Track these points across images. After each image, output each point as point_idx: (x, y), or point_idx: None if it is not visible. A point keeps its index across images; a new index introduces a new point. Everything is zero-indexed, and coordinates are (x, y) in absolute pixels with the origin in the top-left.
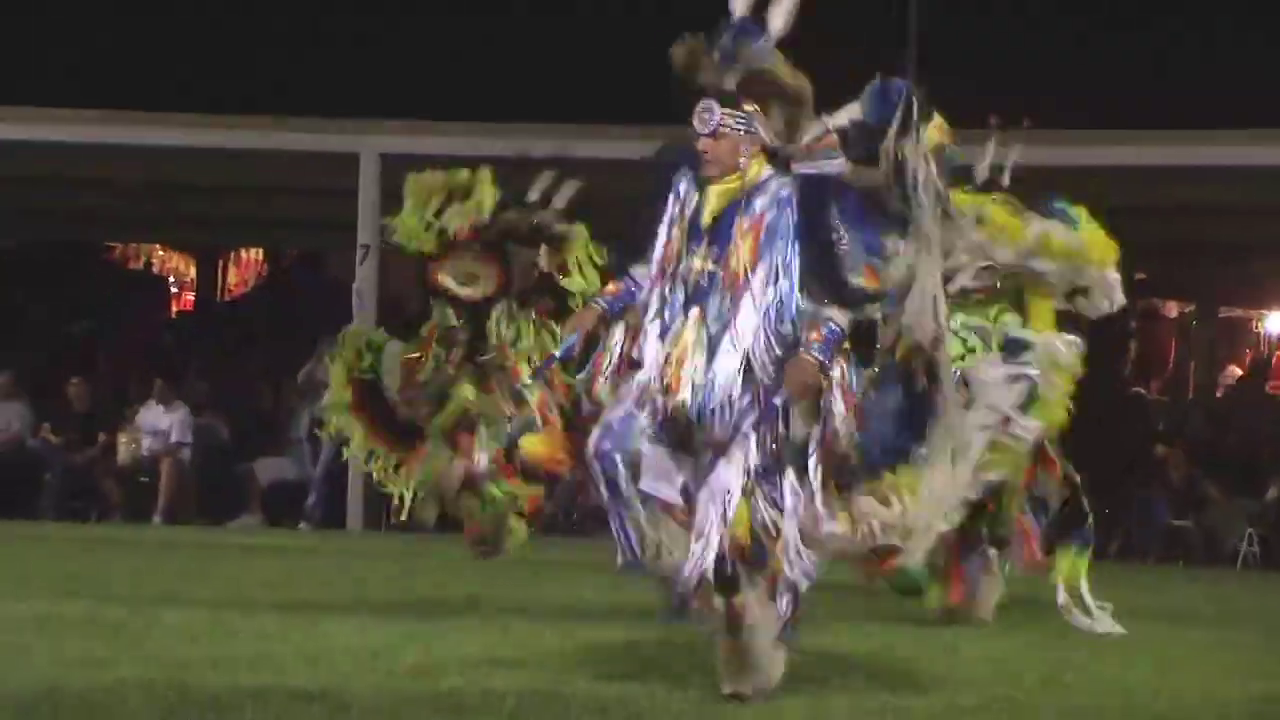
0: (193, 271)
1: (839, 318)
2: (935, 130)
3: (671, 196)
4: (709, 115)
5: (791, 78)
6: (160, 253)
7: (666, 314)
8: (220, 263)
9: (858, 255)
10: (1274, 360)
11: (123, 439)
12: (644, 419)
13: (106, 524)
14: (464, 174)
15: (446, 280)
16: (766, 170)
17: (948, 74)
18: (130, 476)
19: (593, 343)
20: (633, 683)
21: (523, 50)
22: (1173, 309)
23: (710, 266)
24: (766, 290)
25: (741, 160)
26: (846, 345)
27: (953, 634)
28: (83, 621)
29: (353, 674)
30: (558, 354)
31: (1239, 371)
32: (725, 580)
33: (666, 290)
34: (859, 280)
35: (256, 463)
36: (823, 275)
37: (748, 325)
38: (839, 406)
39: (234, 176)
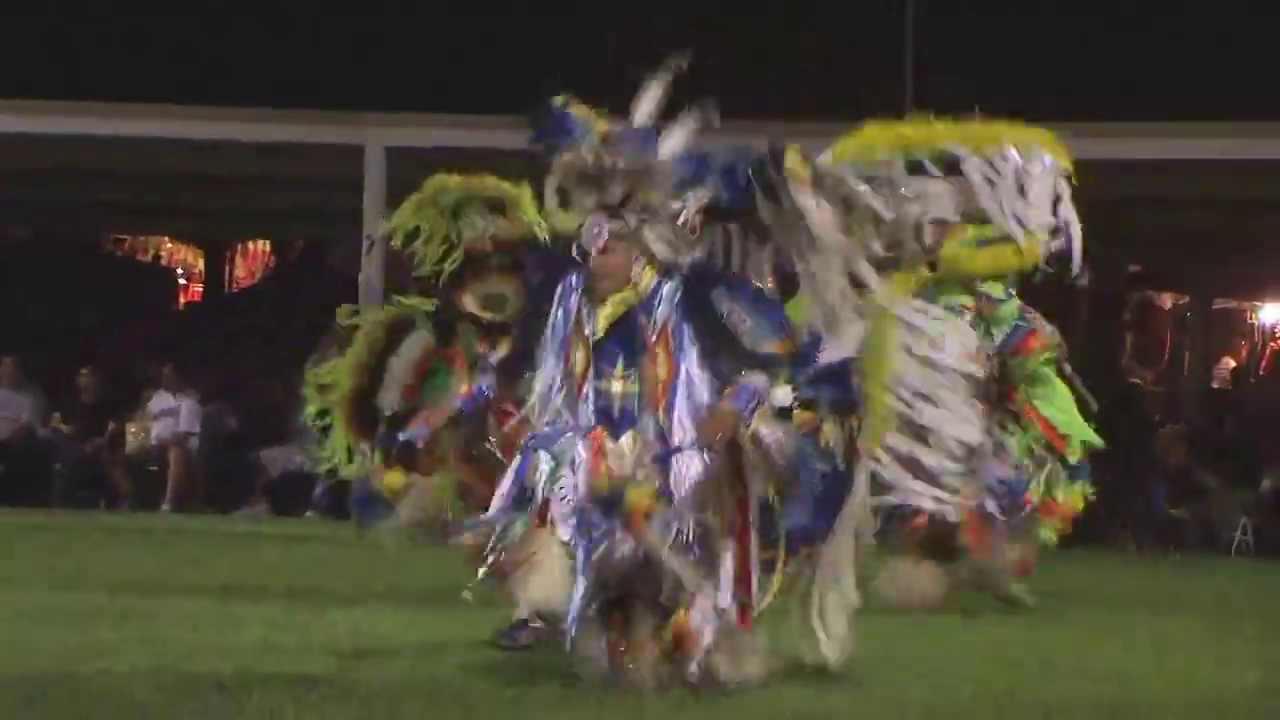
0: (201, 263)
1: (756, 378)
2: (796, 160)
3: (560, 308)
4: (598, 231)
5: (665, 173)
6: (168, 245)
7: (572, 433)
8: (228, 255)
9: (764, 331)
10: (1268, 352)
11: (131, 428)
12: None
13: (115, 512)
14: (491, 182)
15: (470, 304)
16: (655, 276)
17: (944, 71)
18: (139, 465)
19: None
20: None
21: (528, 43)
22: (1168, 301)
23: (631, 388)
24: (688, 393)
25: (634, 271)
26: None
27: (951, 622)
28: (92, 608)
29: (357, 660)
30: (401, 438)
31: (1233, 363)
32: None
33: (569, 408)
34: (770, 348)
35: (263, 452)
36: (728, 354)
37: (682, 429)
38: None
39: (241, 169)
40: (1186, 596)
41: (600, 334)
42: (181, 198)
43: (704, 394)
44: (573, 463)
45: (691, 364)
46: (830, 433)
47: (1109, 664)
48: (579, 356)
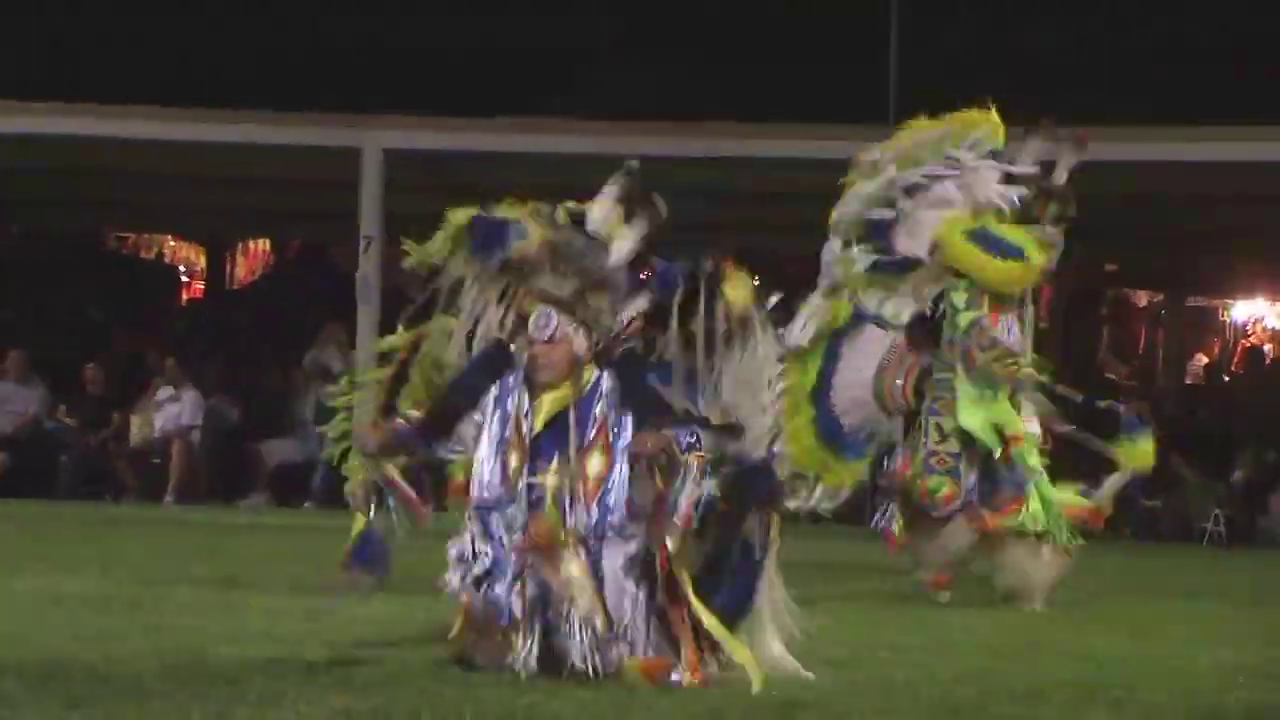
0: (202, 261)
1: (697, 432)
2: (737, 289)
3: (498, 410)
4: (546, 322)
5: (615, 284)
6: (171, 243)
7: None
8: (228, 253)
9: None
10: (1239, 348)
11: (135, 421)
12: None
13: (120, 504)
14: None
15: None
16: (595, 373)
17: (926, 70)
18: (143, 458)
19: None
20: None
21: (527, 46)
22: (1143, 298)
23: (564, 482)
24: (622, 493)
25: (576, 367)
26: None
27: (930, 608)
28: (97, 597)
29: (357, 648)
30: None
31: (1206, 359)
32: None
33: (504, 501)
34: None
35: (264, 444)
36: (664, 422)
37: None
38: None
39: (242, 170)
40: (1161, 583)
41: (538, 429)
42: (184, 198)
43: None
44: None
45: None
46: (751, 526)
47: (1086, 647)
48: (514, 457)
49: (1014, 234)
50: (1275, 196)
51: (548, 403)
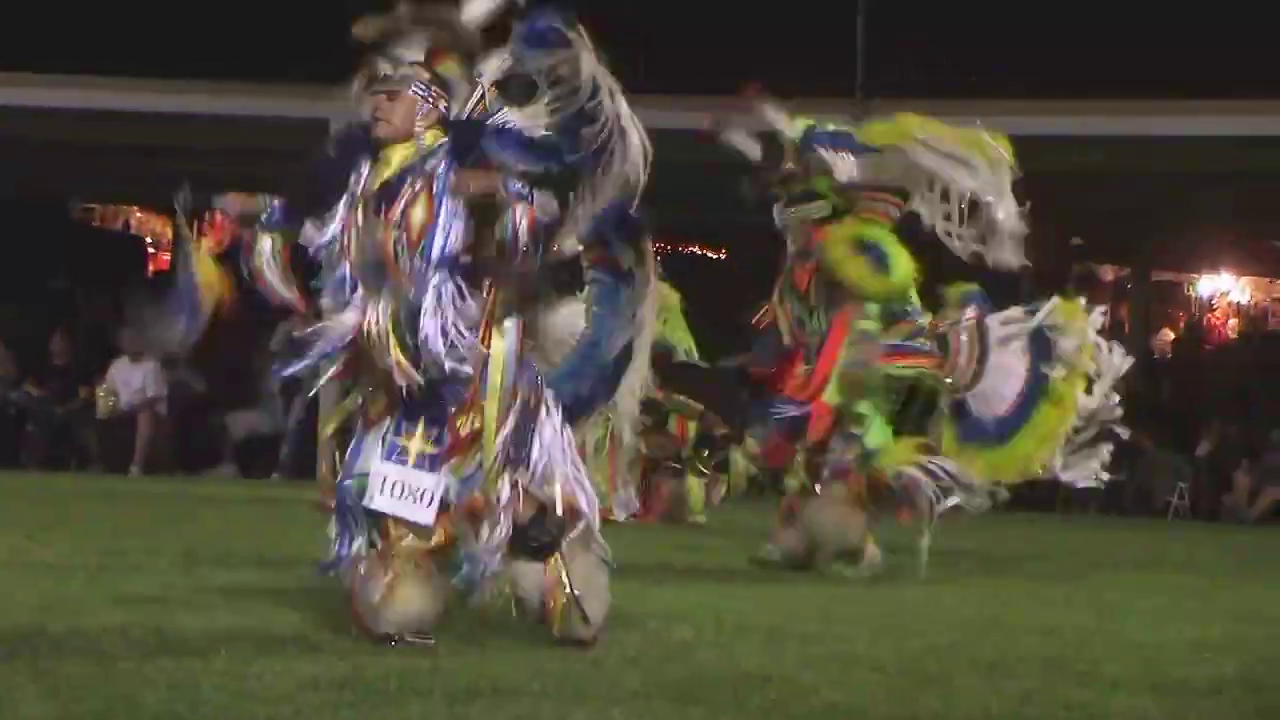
0: (169, 232)
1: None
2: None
3: (354, 176)
4: (388, 75)
5: (467, 33)
6: (138, 214)
7: (349, 289)
8: (195, 225)
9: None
10: (1205, 322)
11: (100, 392)
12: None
13: (86, 474)
14: None
15: None
16: (442, 139)
17: (890, 49)
18: (109, 429)
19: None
20: (619, 629)
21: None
22: (1109, 273)
23: (394, 234)
24: (446, 242)
25: (418, 127)
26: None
27: (896, 584)
28: (63, 567)
29: (324, 618)
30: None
31: (1171, 334)
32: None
33: (347, 266)
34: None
35: (231, 416)
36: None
37: (435, 282)
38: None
39: (211, 140)
40: (1125, 557)
41: (374, 188)
42: (149, 168)
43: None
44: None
45: (451, 214)
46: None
47: (1051, 621)
48: (358, 214)
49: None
50: (1239, 172)
51: (387, 162)
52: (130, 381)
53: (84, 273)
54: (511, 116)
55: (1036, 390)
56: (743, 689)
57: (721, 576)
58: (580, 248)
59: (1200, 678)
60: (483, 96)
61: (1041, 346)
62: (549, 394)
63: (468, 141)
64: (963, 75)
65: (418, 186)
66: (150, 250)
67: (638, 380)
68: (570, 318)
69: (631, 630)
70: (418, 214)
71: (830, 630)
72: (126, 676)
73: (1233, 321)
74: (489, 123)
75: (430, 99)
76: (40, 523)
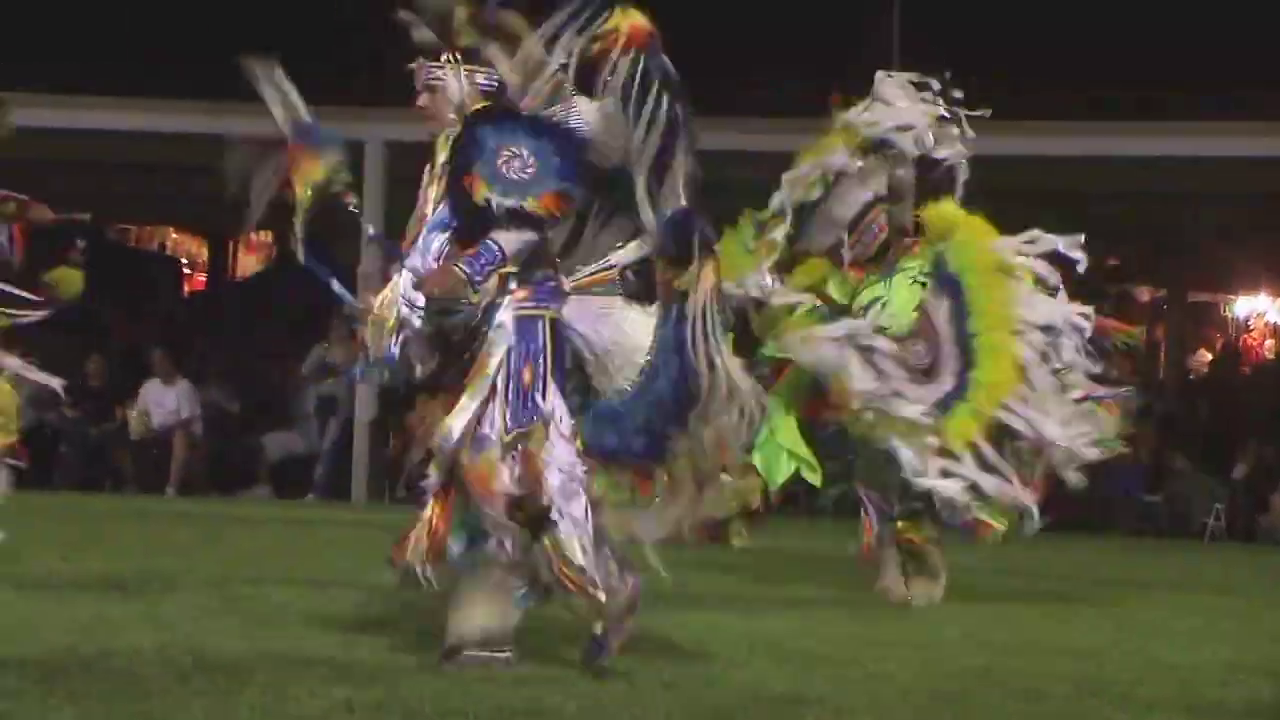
0: (204, 253)
1: (502, 238)
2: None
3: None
4: (424, 74)
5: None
6: (174, 235)
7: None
8: (231, 245)
9: (542, 175)
10: (1241, 343)
11: (132, 414)
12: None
13: (121, 495)
14: None
15: None
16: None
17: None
18: (142, 450)
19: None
20: (653, 653)
21: None
22: (1145, 294)
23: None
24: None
25: (452, 115)
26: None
27: (935, 608)
28: (98, 588)
29: (358, 639)
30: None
31: (1208, 354)
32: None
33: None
34: (529, 204)
35: (266, 437)
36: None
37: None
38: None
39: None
40: (1161, 579)
41: (429, 181)
42: (186, 189)
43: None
44: None
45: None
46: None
47: (1084, 643)
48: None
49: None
50: (1276, 192)
51: (438, 152)
52: (163, 402)
53: (119, 294)
54: (579, 104)
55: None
56: (775, 713)
57: (754, 601)
58: (648, 254)
59: (1235, 700)
60: (554, 79)
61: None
62: (564, 420)
63: (467, 140)
64: (993, 95)
65: (439, 171)
66: (186, 271)
67: (728, 429)
68: (637, 333)
69: (666, 654)
70: (432, 198)
71: (862, 653)
72: (161, 698)
73: (1269, 342)
74: (500, 111)
75: (464, 80)
76: (74, 543)
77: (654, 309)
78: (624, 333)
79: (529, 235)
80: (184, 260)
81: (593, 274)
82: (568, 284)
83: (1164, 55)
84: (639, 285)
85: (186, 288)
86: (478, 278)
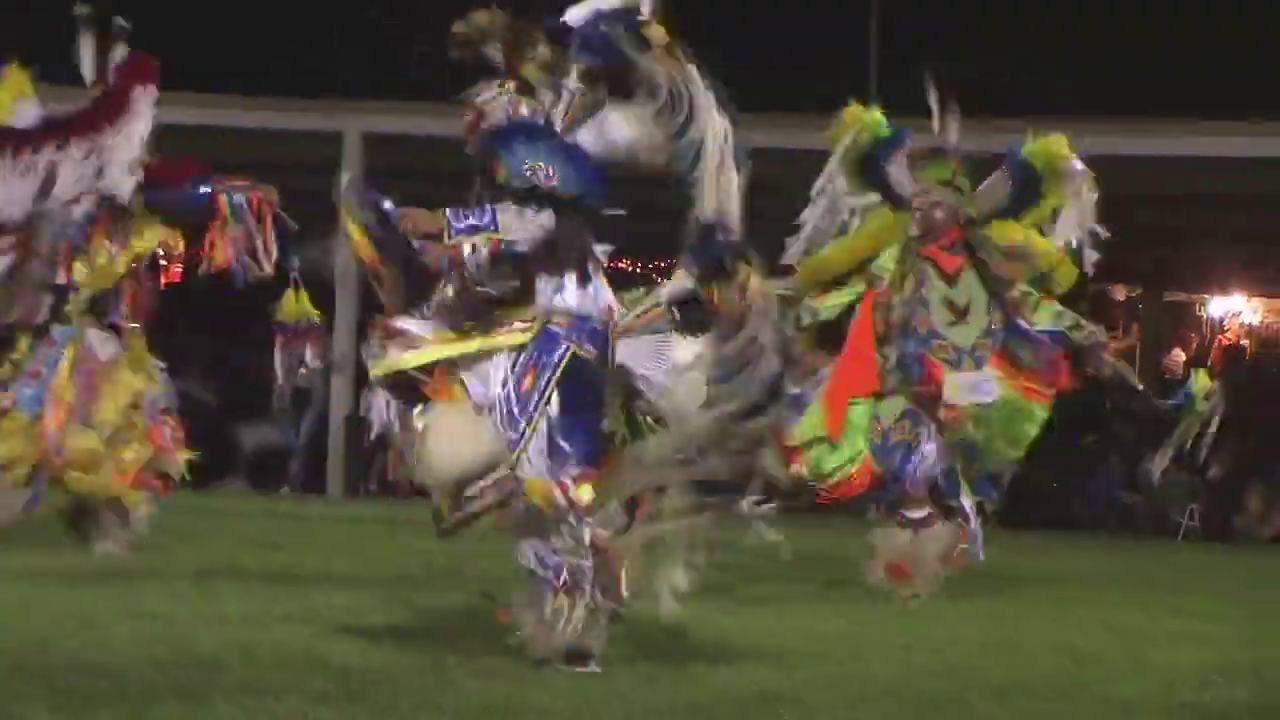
0: (181, 245)
1: (501, 208)
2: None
3: None
4: (481, 91)
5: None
6: None
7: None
8: (207, 237)
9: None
10: (1217, 343)
11: None
12: None
13: None
14: None
15: None
16: None
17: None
18: None
19: None
20: (636, 649)
21: None
22: (1121, 293)
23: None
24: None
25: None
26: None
27: (917, 607)
28: (73, 580)
29: (334, 633)
30: None
31: (1183, 354)
32: None
33: None
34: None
35: (242, 428)
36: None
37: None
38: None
39: (221, 154)
40: (1140, 578)
41: None
42: None
43: None
44: None
45: None
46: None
47: (1065, 642)
48: None
49: None
50: (1252, 193)
51: None
52: None
53: None
54: (611, 116)
55: None
56: (755, 710)
57: (739, 597)
58: (694, 283)
59: (1215, 701)
60: (571, 100)
61: None
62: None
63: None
64: (976, 95)
65: None
66: (162, 262)
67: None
68: (693, 360)
69: (647, 650)
70: None
71: (845, 652)
72: (137, 690)
73: (1244, 342)
74: (520, 123)
75: (510, 108)
76: (51, 535)
77: (708, 337)
78: (681, 363)
79: (539, 219)
80: (160, 251)
81: (640, 314)
82: (618, 327)
83: (1137, 56)
84: (696, 313)
85: (163, 280)
86: (457, 226)
